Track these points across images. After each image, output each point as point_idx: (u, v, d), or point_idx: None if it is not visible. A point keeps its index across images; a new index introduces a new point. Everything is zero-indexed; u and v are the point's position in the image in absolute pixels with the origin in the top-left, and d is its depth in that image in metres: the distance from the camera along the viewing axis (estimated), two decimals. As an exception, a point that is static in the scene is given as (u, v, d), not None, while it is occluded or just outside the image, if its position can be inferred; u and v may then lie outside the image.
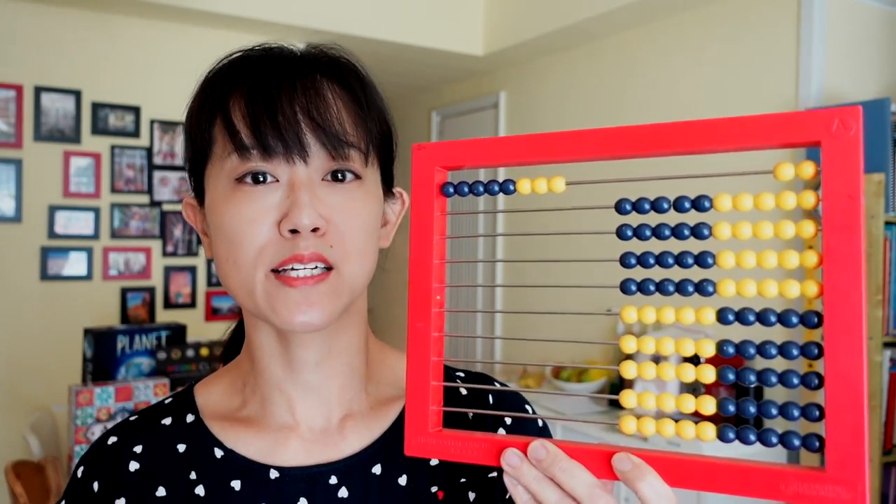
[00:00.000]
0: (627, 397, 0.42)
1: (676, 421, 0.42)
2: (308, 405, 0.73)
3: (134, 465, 0.71)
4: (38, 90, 3.49)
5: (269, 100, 0.65)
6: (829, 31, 2.90)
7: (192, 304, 3.86)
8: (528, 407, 0.82)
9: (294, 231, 0.64)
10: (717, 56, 3.23)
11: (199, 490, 0.70)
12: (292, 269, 0.64)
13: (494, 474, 0.75)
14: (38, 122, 3.49)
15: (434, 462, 0.73)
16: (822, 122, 0.37)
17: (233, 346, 0.86)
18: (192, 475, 0.70)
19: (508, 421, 0.79)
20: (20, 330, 3.45)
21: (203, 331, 3.81)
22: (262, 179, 0.65)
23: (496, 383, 0.83)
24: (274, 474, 0.70)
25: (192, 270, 3.86)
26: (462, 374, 0.83)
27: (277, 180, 0.65)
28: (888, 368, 2.64)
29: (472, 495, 0.74)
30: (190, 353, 2.80)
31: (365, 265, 0.69)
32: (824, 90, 2.88)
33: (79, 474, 0.73)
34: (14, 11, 3.44)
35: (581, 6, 3.50)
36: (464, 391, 0.80)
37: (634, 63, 3.62)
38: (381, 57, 4.09)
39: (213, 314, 3.92)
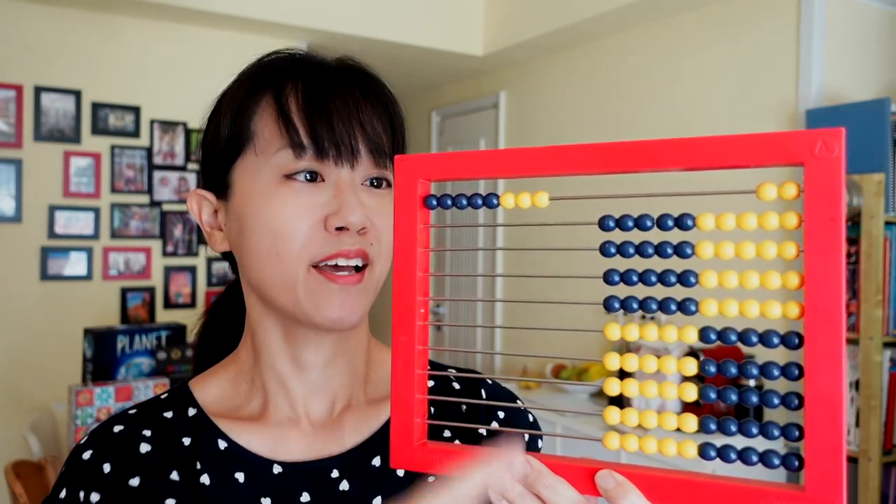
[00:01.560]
0: (610, 414, 0.42)
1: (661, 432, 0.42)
2: (312, 402, 0.75)
3: (145, 447, 0.71)
4: (38, 90, 3.49)
5: (325, 102, 0.68)
6: (829, 31, 2.89)
7: (192, 304, 3.87)
8: (519, 401, 0.84)
9: (340, 228, 0.67)
10: (717, 56, 3.23)
11: (205, 479, 0.70)
12: (336, 264, 0.67)
13: None
14: (38, 122, 3.49)
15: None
16: (805, 143, 0.36)
17: (205, 346, 0.87)
18: (197, 465, 0.71)
19: (501, 415, 0.82)
20: (20, 330, 3.45)
21: (203, 331, 3.80)
22: (311, 178, 0.68)
23: (488, 380, 0.85)
24: (277, 469, 0.71)
25: (192, 270, 3.87)
26: (454, 371, 0.84)
27: (324, 180, 0.69)
28: (888, 368, 2.64)
29: None
30: (190, 353, 2.80)
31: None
32: (824, 90, 2.88)
33: (85, 457, 0.71)
34: (14, 11, 3.44)
35: (581, 6, 3.50)
36: (457, 385, 0.82)
37: (634, 63, 3.62)
38: (381, 57, 4.08)
39: (213, 314, 3.92)
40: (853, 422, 2.60)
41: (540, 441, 0.84)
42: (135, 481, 0.69)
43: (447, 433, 0.77)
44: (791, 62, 2.94)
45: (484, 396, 0.82)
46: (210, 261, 3.92)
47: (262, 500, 0.70)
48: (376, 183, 0.71)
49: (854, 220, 2.59)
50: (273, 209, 0.67)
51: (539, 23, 3.77)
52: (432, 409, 0.79)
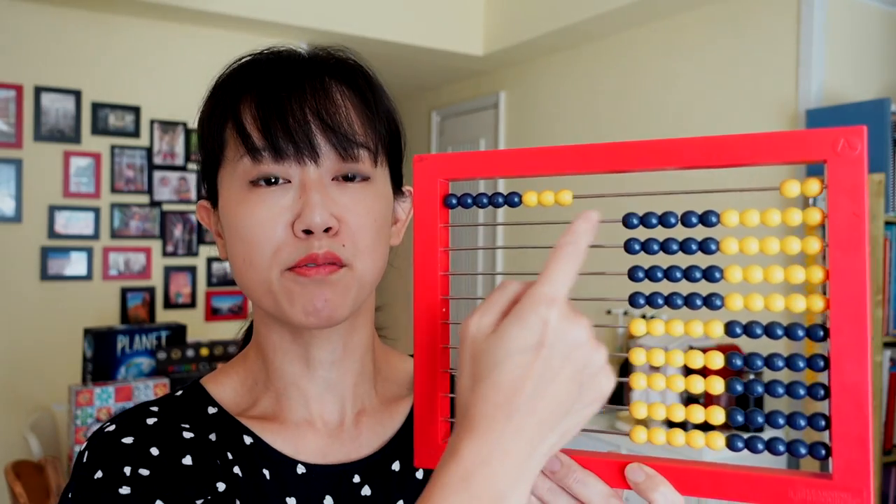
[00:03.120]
0: (638, 408, 0.43)
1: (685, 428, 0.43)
2: (324, 401, 0.75)
3: (188, 434, 0.70)
4: (38, 90, 3.49)
5: (280, 102, 0.67)
6: (829, 31, 2.90)
7: (192, 304, 3.87)
8: None
9: (307, 231, 0.65)
10: (717, 56, 3.24)
11: (237, 470, 0.70)
12: (306, 266, 0.66)
13: None
14: (38, 122, 3.49)
15: None
16: (828, 141, 0.37)
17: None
18: (229, 455, 0.70)
19: None
20: (20, 330, 3.45)
21: (203, 331, 3.81)
22: (274, 181, 0.67)
23: None
24: (301, 469, 0.71)
25: (192, 270, 3.87)
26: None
27: (289, 181, 0.67)
28: (888, 368, 2.65)
29: None
30: (190, 353, 2.80)
31: (376, 262, 0.70)
32: (824, 90, 2.89)
33: (126, 441, 0.67)
34: (14, 11, 3.44)
35: (581, 6, 3.51)
36: None
37: (634, 63, 3.63)
38: (381, 57, 4.09)
39: (213, 314, 3.92)
40: (853, 421, 2.61)
41: None
42: (187, 460, 0.67)
43: None
44: (791, 62, 2.95)
45: None
46: (210, 261, 3.92)
47: (288, 499, 0.70)
48: (350, 177, 0.68)
49: (854, 220, 2.60)
50: (241, 217, 0.67)
51: (539, 23, 3.78)
52: None
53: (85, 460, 0.67)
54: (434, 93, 5.13)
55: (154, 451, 0.67)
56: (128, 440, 0.67)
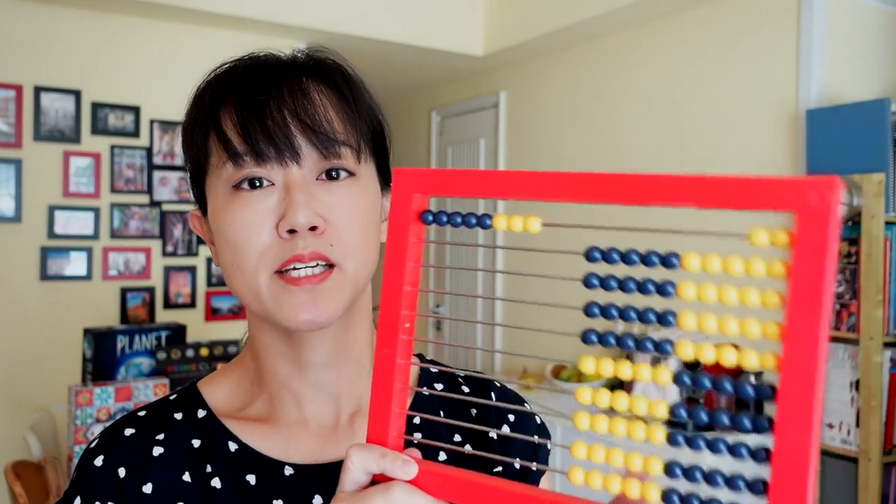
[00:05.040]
0: (578, 448, 0.42)
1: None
2: (317, 403, 0.74)
3: (158, 450, 0.71)
4: (38, 90, 3.49)
5: (258, 106, 0.67)
6: (829, 31, 2.89)
7: (192, 304, 3.87)
8: (526, 405, 0.84)
9: (292, 231, 0.65)
10: (716, 56, 3.22)
11: (216, 482, 0.70)
12: (294, 268, 0.66)
13: (500, 468, 0.77)
14: (37, 122, 3.49)
15: (442, 457, 0.75)
16: (798, 192, 0.36)
17: None
18: (208, 468, 0.71)
19: (512, 418, 0.82)
20: (20, 330, 3.46)
21: (203, 331, 3.81)
22: (258, 184, 0.67)
23: (496, 383, 0.85)
24: (288, 471, 0.71)
25: (191, 270, 3.87)
26: (462, 376, 0.85)
27: (273, 184, 0.67)
28: (888, 368, 2.63)
29: None
30: (190, 353, 2.80)
31: (366, 261, 0.70)
32: (824, 90, 2.88)
33: (97, 462, 0.70)
34: (14, 11, 3.43)
35: (581, 6, 3.49)
36: (466, 388, 0.83)
37: (634, 63, 3.61)
38: (381, 57, 4.07)
39: (213, 314, 3.92)
40: (853, 422, 2.60)
41: (549, 445, 0.84)
42: (147, 488, 0.69)
43: (457, 437, 0.77)
44: (791, 62, 2.93)
45: (493, 399, 0.82)
46: (210, 261, 3.92)
47: (274, 501, 0.70)
48: (335, 175, 0.68)
49: (854, 220, 2.59)
50: (227, 222, 0.67)
51: (539, 23, 3.76)
52: (442, 413, 0.79)
53: (74, 477, 0.70)
54: (434, 93, 5.12)
55: (121, 473, 0.70)
56: (99, 461, 0.70)
